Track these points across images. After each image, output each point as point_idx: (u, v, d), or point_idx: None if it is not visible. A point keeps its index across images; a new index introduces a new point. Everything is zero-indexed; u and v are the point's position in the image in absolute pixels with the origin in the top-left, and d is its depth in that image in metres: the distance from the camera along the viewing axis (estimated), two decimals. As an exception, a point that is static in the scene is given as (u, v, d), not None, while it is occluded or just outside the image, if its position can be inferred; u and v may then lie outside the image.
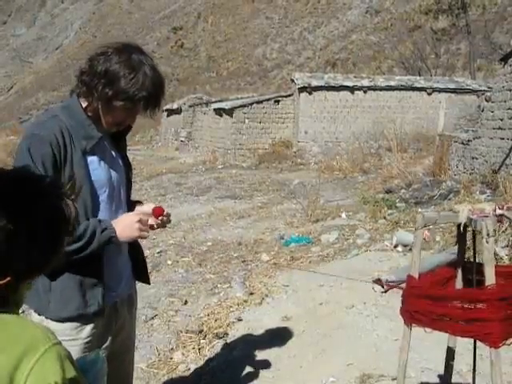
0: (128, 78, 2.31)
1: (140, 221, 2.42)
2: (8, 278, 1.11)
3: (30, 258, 1.29)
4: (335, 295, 5.85)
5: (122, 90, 2.31)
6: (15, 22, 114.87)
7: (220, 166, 19.97)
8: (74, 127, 2.39)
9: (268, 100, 21.45)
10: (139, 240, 2.71)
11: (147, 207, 2.62)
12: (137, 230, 2.41)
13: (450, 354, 2.96)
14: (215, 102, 24.44)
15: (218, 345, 5.04)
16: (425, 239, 7.58)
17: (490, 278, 2.30)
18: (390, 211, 9.69)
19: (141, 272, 2.82)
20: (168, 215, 2.59)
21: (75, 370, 1.29)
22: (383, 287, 5.76)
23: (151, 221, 2.54)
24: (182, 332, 5.34)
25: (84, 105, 2.44)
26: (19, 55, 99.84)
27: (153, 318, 5.80)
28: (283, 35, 51.41)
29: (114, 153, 2.61)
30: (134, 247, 2.74)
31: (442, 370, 4.05)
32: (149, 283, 2.92)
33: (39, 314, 2.47)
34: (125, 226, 2.41)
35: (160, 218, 2.55)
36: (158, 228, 2.61)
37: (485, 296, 2.30)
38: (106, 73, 2.31)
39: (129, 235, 2.43)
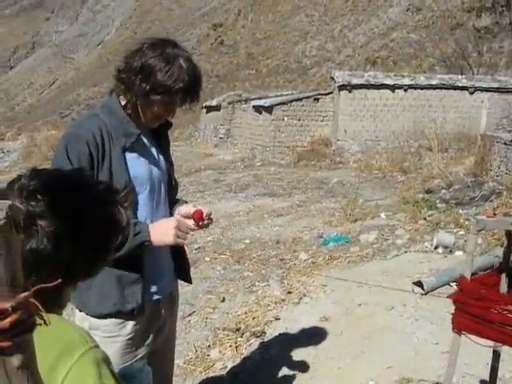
0: (164, 71, 2.33)
1: (177, 227, 2.40)
2: (59, 280, 1.11)
3: (77, 263, 1.28)
4: (374, 296, 5.79)
5: (158, 84, 2.33)
6: (58, 19, 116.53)
7: (258, 164, 19.95)
8: (113, 125, 2.41)
9: (307, 98, 21.32)
10: None
11: (187, 209, 2.60)
12: (173, 237, 2.39)
13: (496, 358, 2.89)
14: (254, 99, 24.40)
15: (255, 343, 5.03)
16: (466, 241, 7.46)
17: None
18: (430, 212, 9.57)
19: (182, 270, 2.82)
20: (209, 217, 2.54)
21: (112, 374, 1.28)
22: (423, 289, 5.68)
23: (191, 224, 2.51)
24: (219, 329, 5.35)
25: (123, 102, 2.46)
26: (61, 51, 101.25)
27: (190, 314, 5.83)
28: (323, 33, 51.16)
29: (154, 149, 2.62)
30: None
31: (483, 376, 3.98)
32: (190, 282, 2.91)
33: (80, 311, 2.50)
34: (161, 231, 2.40)
35: (201, 223, 2.51)
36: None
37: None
38: (142, 68, 2.34)
39: (163, 241, 2.41)
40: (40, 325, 0.90)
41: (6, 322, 0.82)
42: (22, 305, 0.85)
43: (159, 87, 2.34)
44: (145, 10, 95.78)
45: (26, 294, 0.85)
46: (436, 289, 5.73)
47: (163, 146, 2.71)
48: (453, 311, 2.54)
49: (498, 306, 2.24)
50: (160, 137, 2.68)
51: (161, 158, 2.66)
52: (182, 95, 2.39)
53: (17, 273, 0.85)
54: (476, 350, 4.20)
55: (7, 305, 0.82)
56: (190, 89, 2.40)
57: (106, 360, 1.29)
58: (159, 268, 2.60)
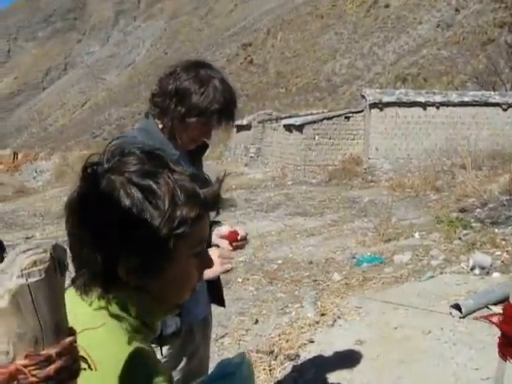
0: (198, 93, 2.31)
1: (221, 255, 2.35)
2: None
3: None
4: (410, 319, 5.67)
5: (193, 106, 2.32)
6: (89, 41, 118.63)
7: (290, 183, 19.91)
8: None
9: (338, 116, 21.27)
10: None
11: (225, 230, 2.55)
12: (220, 266, 2.34)
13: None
14: (285, 117, 24.42)
15: (289, 367, 4.95)
16: (503, 262, 7.31)
17: None
18: (465, 231, 9.38)
19: (216, 294, 2.78)
20: (244, 239, 2.50)
21: None
22: (461, 312, 5.55)
23: (224, 246, 2.46)
24: (252, 352, 5.28)
25: (160, 126, 2.44)
26: (93, 72, 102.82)
27: (223, 336, 5.78)
28: (352, 50, 51.23)
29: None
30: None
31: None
32: (224, 306, 2.87)
33: None
34: None
35: (234, 244, 2.47)
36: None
37: None
38: (177, 91, 2.33)
39: (213, 273, 2.37)
40: (85, 369, 0.86)
41: (50, 368, 0.79)
42: (67, 350, 0.81)
43: (194, 110, 2.33)
44: (174, 30, 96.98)
45: (70, 338, 0.82)
46: (474, 311, 5.60)
47: (198, 167, 2.69)
48: (497, 339, 2.45)
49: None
50: (195, 158, 2.65)
51: None
52: (218, 116, 2.38)
53: (62, 317, 0.82)
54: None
55: (52, 351, 0.79)
56: (226, 109, 2.39)
57: None
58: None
